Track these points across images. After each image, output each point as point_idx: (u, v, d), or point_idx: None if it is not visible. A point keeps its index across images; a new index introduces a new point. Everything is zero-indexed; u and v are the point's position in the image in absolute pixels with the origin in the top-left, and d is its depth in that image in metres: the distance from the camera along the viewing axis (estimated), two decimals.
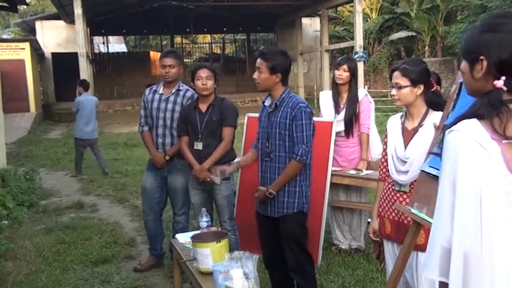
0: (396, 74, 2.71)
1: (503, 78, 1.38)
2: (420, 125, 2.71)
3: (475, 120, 1.38)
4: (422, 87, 2.67)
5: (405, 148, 2.72)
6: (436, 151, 2.34)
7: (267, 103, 3.24)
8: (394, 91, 2.72)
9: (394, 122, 2.85)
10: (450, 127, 1.43)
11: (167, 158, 4.15)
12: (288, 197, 3.13)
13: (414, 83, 2.66)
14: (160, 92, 4.21)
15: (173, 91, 4.17)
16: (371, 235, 2.97)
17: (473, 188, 1.33)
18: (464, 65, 1.49)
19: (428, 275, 1.45)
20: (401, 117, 2.84)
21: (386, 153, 2.87)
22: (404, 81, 2.66)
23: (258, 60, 3.12)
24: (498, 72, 1.39)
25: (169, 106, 4.15)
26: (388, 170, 2.84)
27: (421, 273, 2.73)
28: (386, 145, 2.88)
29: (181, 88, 4.20)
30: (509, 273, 1.32)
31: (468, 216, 1.33)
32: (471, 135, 1.35)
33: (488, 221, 1.31)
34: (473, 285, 1.33)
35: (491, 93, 1.40)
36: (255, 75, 3.13)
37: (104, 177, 8.61)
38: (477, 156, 1.33)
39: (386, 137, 2.89)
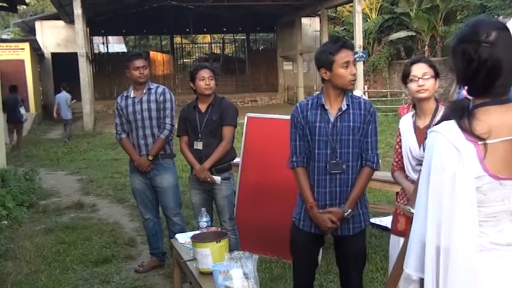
0: (422, 65, 2.71)
1: None
2: (432, 122, 2.72)
3: (452, 122, 1.42)
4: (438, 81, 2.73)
5: (419, 147, 2.73)
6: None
7: (327, 106, 2.73)
8: (421, 82, 2.67)
9: (406, 122, 2.86)
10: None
11: (150, 158, 4.16)
12: (362, 208, 2.81)
13: (437, 76, 2.71)
14: (132, 96, 4.23)
15: (144, 91, 4.21)
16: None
17: (442, 185, 1.38)
18: None
19: (406, 270, 1.50)
20: (412, 116, 2.85)
21: (398, 151, 2.89)
22: (431, 72, 2.70)
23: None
24: None
25: (144, 106, 4.18)
26: (402, 163, 2.85)
27: None
28: (398, 145, 2.89)
29: (151, 87, 4.24)
30: (469, 269, 1.36)
31: (437, 212, 1.39)
32: (446, 136, 1.39)
33: (457, 218, 1.36)
34: (446, 279, 1.38)
35: None
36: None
37: (103, 178, 8.61)
38: (448, 156, 1.37)
39: (398, 136, 2.90)
